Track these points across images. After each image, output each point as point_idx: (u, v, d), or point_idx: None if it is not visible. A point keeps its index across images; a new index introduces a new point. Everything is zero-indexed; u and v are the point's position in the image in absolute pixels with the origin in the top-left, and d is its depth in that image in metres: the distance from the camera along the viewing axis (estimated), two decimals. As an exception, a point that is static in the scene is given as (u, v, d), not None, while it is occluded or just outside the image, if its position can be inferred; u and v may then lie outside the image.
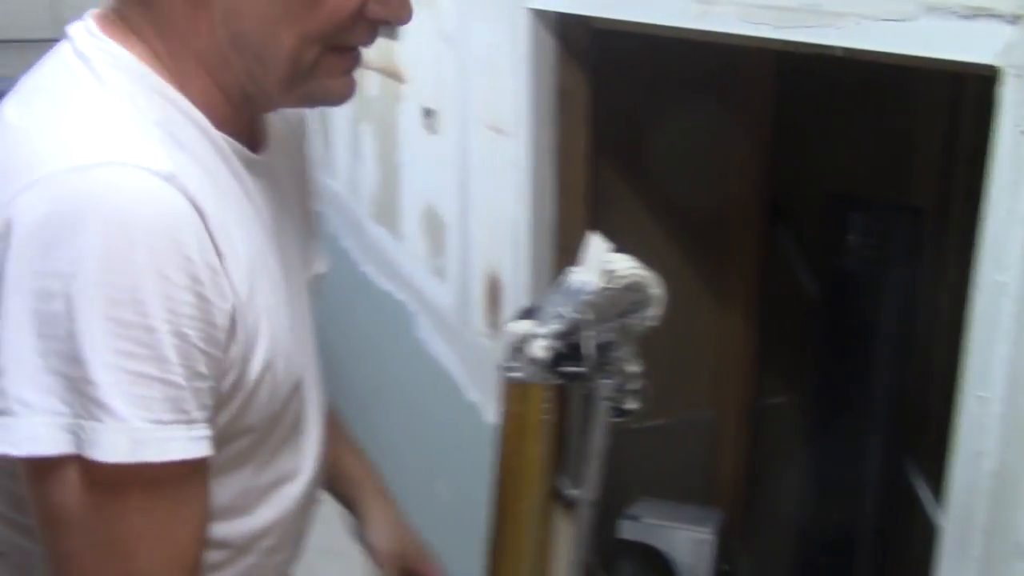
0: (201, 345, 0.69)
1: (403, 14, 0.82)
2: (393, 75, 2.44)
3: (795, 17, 1.02)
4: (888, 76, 1.29)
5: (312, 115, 3.29)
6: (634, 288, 0.90)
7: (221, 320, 0.72)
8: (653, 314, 0.92)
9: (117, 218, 0.65)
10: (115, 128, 0.71)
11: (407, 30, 2.26)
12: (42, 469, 0.67)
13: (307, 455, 0.93)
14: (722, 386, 2.15)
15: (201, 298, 0.69)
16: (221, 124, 0.80)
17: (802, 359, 2.09)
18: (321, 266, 1.04)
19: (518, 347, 0.91)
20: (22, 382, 0.64)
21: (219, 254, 0.72)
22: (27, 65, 0.78)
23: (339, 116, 3.08)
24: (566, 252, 1.72)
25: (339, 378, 3.46)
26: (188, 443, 0.69)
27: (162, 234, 0.67)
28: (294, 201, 0.97)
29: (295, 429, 0.90)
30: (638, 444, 2.15)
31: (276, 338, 0.81)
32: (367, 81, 2.70)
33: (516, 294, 1.80)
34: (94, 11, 0.79)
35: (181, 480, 0.70)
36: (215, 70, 0.79)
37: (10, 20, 3.81)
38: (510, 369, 0.91)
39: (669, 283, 2.08)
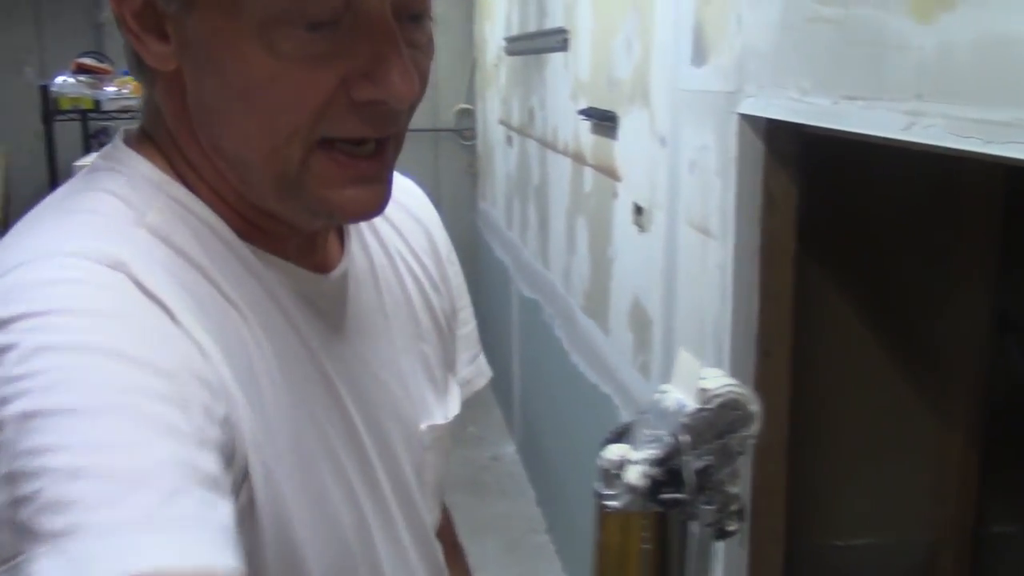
0: None
1: (401, 91, 0.63)
2: (608, 172, 2.49)
3: (1007, 131, 0.97)
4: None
5: (533, 206, 3.42)
6: (731, 406, 0.85)
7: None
8: (753, 432, 0.87)
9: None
10: (81, 230, 0.62)
11: (625, 130, 2.32)
12: None
13: None
14: (941, 508, 2.01)
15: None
16: (255, 237, 0.70)
17: (1032, 485, 1.93)
18: (453, 408, 0.89)
19: (613, 473, 0.87)
20: None
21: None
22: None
23: (557, 207, 3.17)
24: (769, 356, 1.68)
25: (548, 467, 3.49)
26: None
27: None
28: (402, 326, 0.84)
29: None
30: (846, 562, 2.04)
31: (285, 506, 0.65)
32: (583, 176, 2.77)
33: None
34: (123, 128, 0.74)
35: None
36: (215, 182, 0.69)
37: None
38: (606, 497, 0.86)
39: (882, 395, 2.00)
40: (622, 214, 2.37)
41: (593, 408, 2.71)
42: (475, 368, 0.98)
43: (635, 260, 2.27)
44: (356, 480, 0.74)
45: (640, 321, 2.24)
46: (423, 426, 0.84)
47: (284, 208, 0.68)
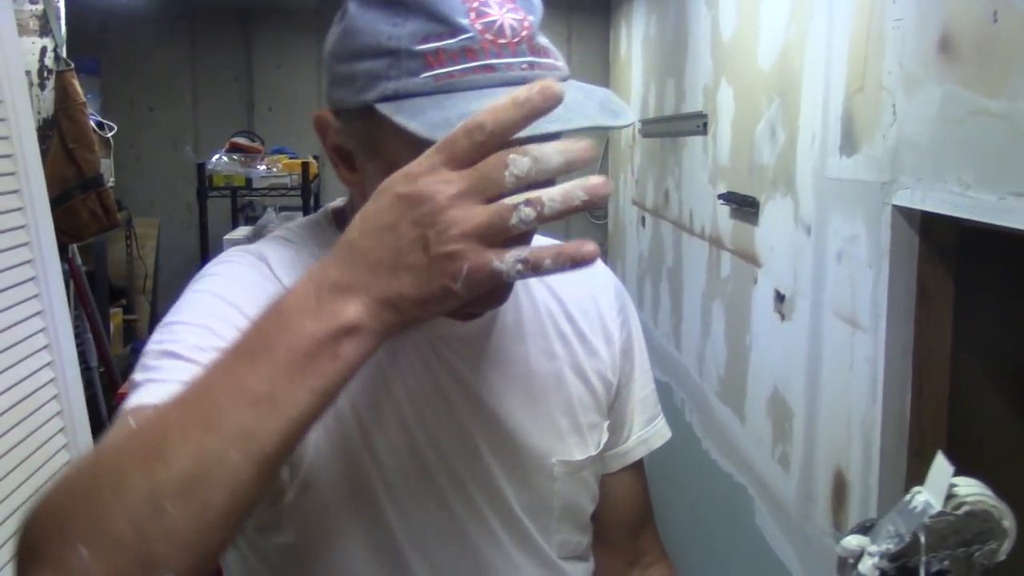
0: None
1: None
2: (748, 257, 2.46)
3: None
4: None
5: (666, 288, 3.39)
6: (980, 517, 0.83)
7: None
8: (1003, 548, 0.84)
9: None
10: (259, 244, 0.97)
11: (767, 216, 2.29)
12: None
13: None
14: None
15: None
16: None
17: None
18: (591, 449, 1.04)
19: (850, 563, 0.87)
20: None
21: None
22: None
23: (692, 291, 3.14)
24: (921, 457, 1.61)
25: (676, 554, 3.41)
26: None
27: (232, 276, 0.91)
28: (544, 374, 1.00)
29: None
30: None
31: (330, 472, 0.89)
32: (721, 260, 2.74)
33: (864, 496, 1.70)
34: (334, 204, 1.03)
35: None
36: None
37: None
38: None
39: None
40: (762, 300, 2.33)
41: (726, 497, 2.64)
42: (651, 429, 1.14)
43: (775, 348, 2.22)
44: (453, 486, 0.95)
45: (780, 411, 2.18)
46: (554, 460, 1.00)
47: None
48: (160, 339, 0.82)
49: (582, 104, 0.75)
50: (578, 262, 0.64)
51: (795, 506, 2.07)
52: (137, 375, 0.80)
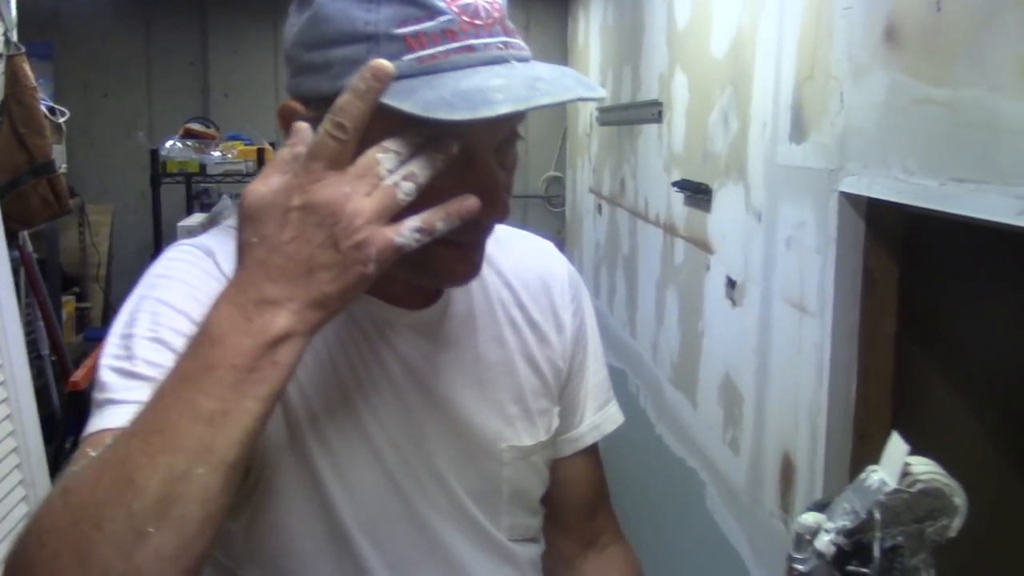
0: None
1: (499, 215, 0.85)
2: (701, 244, 2.49)
3: None
4: None
5: (621, 275, 3.42)
6: (932, 495, 0.86)
7: None
8: (953, 525, 0.86)
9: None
10: (205, 237, 0.96)
11: (719, 204, 2.32)
12: None
13: None
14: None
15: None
16: None
17: None
18: (542, 434, 1.05)
19: (806, 539, 0.90)
20: None
21: None
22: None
23: (647, 278, 3.17)
24: (866, 440, 1.64)
25: (629, 536, 3.44)
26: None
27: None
28: (494, 361, 1.02)
29: None
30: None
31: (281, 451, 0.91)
32: (675, 247, 2.77)
33: (811, 479, 1.73)
34: None
35: None
36: None
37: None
38: (796, 561, 0.89)
39: (985, 480, 1.92)
40: (714, 287, 2.36)
41: (678, 481, 2.67)
42: (604, 415, 1.15)
43: (727, 334, 2.25)
44: (398, 467, 0.95)
45: (731, 396, 2.21)
46: (503, 445, 1.01)
47: (400, 273, 0.86)
48: (116, 354, 0.84)
49: (561, 79, 0.80)
50: (463, 215, 0.75)
51: (745, 489, 2.10)
52: (96, 394, 0.82)
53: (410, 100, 0.75)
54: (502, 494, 1.03)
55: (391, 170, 0.73)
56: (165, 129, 4.87)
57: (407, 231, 0.72)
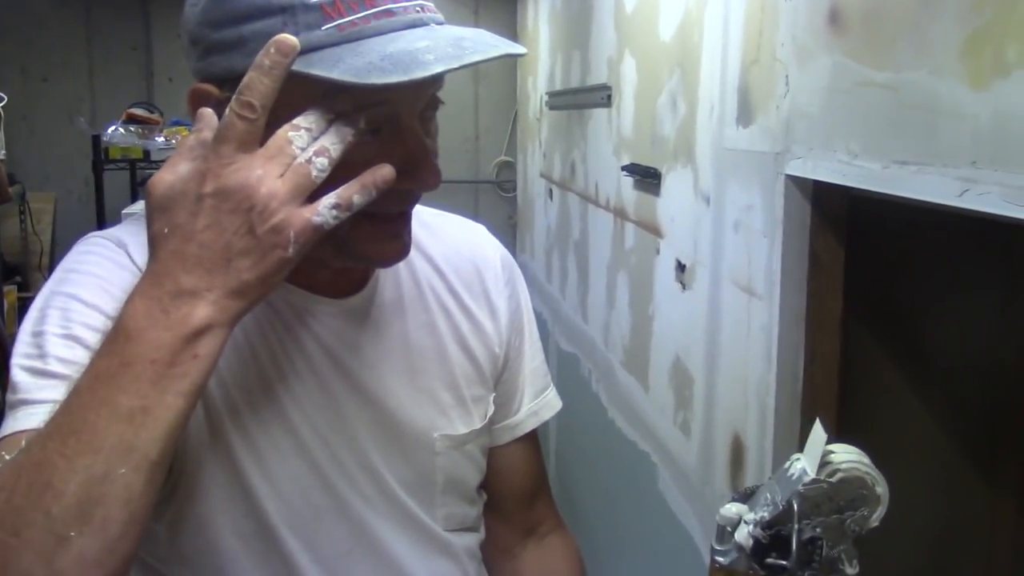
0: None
1: (432, 183, 0.85)
2: (651, 228, 2.49)
3: (1065, 201, 0.96)
4: None
5: (573, 260, 3.42)
6: (855, 484, 0.85)
7: None
8: (875, 515, 0.85)
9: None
10: (118, 228, 0.96)
11: (668, 188, 2.32)
12: None
13: None
14: (991, 579, 1.96)
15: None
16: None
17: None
18: (476, 422, 1.04)
19: (728, 531, 0.88)
20: None
21: None
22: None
23: (598, 263, 3.17)
24: (813, 420, 1.65)
25: (582, 521, 3.46)
26: None
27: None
28: (425, 348, 1.00)
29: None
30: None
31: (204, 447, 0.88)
32: (625, 231, 2.77)
33: (760, 460, 1.74)
34: None
35: None
36: None
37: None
38: (717, 553, 0.88)
39: (932, 463, 1.96)
40: (664, 271, 2.36)
41: (631, 465, 2.68)
42: (542, 401, 1.14)
43: (677, 317, 2.26)
44: (323, 458, 0.93)
45: (681, 379, 2.22)
46: (436, 434, 1.00)
47: (327, 256, 0.85)
48: (28, 353, 0.82)
49: (483, 38, 0.80)
50: (380, 185, 0.74)
51: (696, 471, 2.11)
52: (9, 395, 0.80)
53: (338, 69, 0.74)
54: (436, 484, 1.01)
55: (303, 148, 0.71)
56: (108, 114, 4.77)
57: (324, 209, 0.71)
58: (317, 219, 0.71)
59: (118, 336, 0.69)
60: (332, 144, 0.72)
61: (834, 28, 1.43)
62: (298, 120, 0.72)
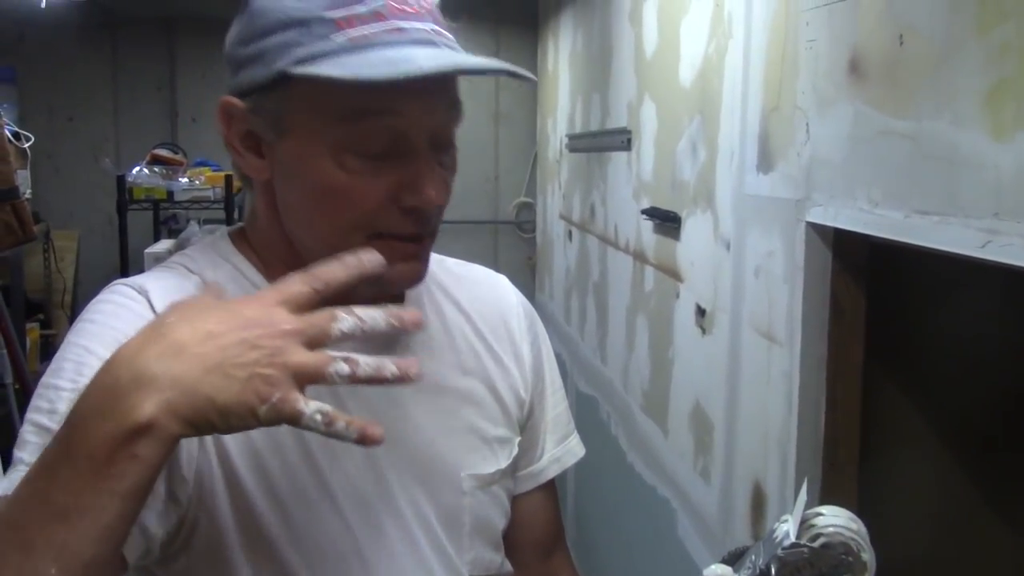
0: None
1: (433, 198, 0.86)
2: (671, 272, 2.49)
3: (1089, 254, 0.95)
4: None
5: (592, 302, 3.40)
6: (839, 549, 0.82)
7: None
8: None
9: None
10: (144, 276, 0.94)
11: (688, 232, 2.32)
12: None
13: None
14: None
15: None
16: None
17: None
18: (502, 462, 1.04)
19: None
20: None
21: None
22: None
23: (617, 305, 3.16)
24: (835, 469, 1.64)
25: (600, 567, 3.42)
26: None
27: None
28: (452, 390, 1.01)
29: None
30: None
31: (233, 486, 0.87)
32: (644, 274, 2.77)
33: (781, 508, 1.72)
34: (231, 227, 1.02)
35: None
36: (287, 258, 0.92)
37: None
38: None
39: (954, 508, 1.93)
40: (684, 315, 2.36)
41: (650, 511, 2.66)
42: (564, 448, 1.14)
43: (697, 362, 2.25)
44: (345, 499, 0.92)
45: (701, 424, 2.21)
46: (463, 473, 1.00)
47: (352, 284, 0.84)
48: (39, 406, 0.81)
49: (490, 62, 0.83)
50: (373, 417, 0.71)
51: (716, 518, 2.09)
52: (15, 448, 0.80)
53: (341, 69, 0.79)
54: (464, 525, 1.00)
55: (343, 332, 0.69)
56: (132, 154, 4.83)
57: (313, 409, 0.67)
58: (303, 409, 0.67)
59: (72, 415, 0.67)
60: (366, 364, 0.69)
61: (855, 77, 1.43)
62: (357, 307, 0.70)
